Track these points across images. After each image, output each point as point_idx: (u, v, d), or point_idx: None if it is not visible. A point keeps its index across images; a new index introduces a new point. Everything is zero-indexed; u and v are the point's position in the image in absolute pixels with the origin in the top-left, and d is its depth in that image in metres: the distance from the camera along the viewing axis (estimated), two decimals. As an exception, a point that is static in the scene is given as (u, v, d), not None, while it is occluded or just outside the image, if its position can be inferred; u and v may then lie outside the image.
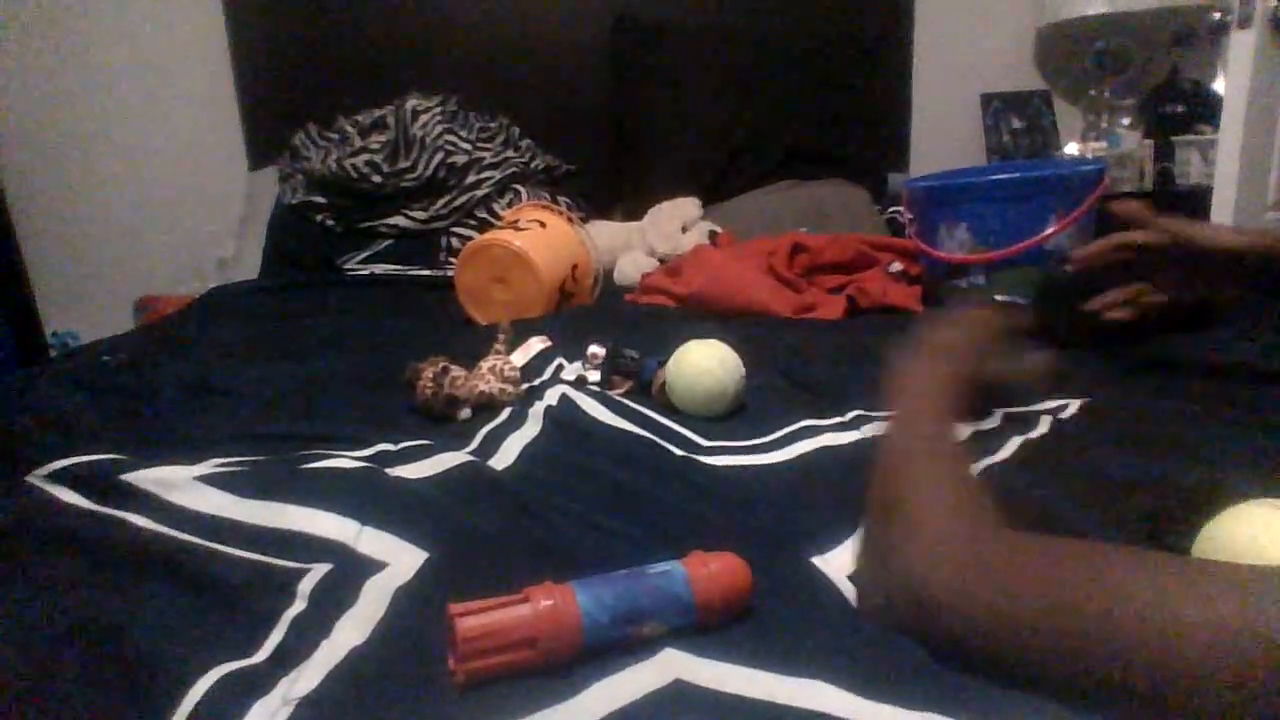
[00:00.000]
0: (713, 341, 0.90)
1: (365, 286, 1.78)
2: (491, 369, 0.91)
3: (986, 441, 0.72)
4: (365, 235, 1.98)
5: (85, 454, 0.68)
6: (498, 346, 0.97)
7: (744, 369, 0.88)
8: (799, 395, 0.93)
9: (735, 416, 0.86)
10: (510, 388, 0.91)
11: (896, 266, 1.54)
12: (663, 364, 0.91)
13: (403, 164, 1.97)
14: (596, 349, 1.02)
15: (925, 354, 0.66)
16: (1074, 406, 0.82)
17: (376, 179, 1.96)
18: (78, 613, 0.49)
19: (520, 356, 1.03)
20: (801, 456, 0.75)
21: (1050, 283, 1.18)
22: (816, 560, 0.57)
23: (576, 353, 1.05)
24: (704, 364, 0.86)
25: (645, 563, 0.50)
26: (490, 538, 0.59)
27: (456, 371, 0.89)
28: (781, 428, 0.81)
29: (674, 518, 0.62)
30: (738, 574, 0.49)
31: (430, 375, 0.87)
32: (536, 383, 0.98)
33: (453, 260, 1.72)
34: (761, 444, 0.78)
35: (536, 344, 1.07)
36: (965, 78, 2.48)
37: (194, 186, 2.30)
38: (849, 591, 0.53)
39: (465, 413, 0.88)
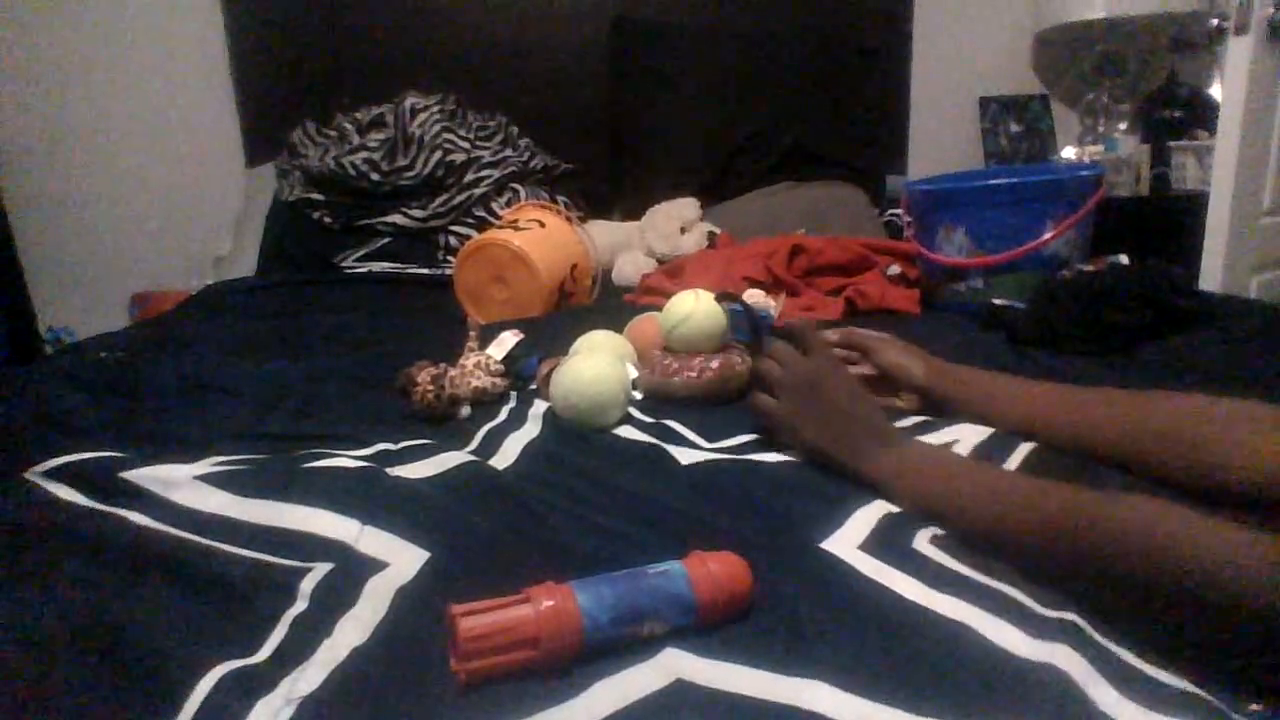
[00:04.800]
0: (599, 356, 0.86)
1: (363, 284, 1.77)
2: (477, 364, 0.93)
3: (991, 449, 0.72)
4: (363, 233, 1.97)
5: (83, 451, 0.68)
6: (470, 344, 0.97)
7: (630, 382, 0.86)
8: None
9: (732, 416, 0.86)
10: (499, 380, 0.94)
11: (895, 269, 1.54)
12: (544, 359, 0.93)
13: (401, 162, 1.96)
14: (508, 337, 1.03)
15: None
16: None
17: (375, 177, 1.95)
18: (78, 611, 0.49)
19: (498, 350, 1.04)
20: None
21: (1048, 287, 1.18)
22: (825, 545, 0.57)
23: (555, 348, 1.05)
24: (588, 378, 0.83)
25: (645, 562, 0.50)
26: (491, 538, 0.59)
27: (452, 371, 0.90)
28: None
29: (674, 517, 0.63)
30: (737, 573, 0.50)
31: (429, 378, 0.87)
32: (533, 386, 0.98)
33: (451, 259, 1.72)
34: (757, 439, 0.78)
35: (509, 337, 1.07)
36: (963, 80, 2.49)
37: (191, 183, 2.29)
38: (859, 570, 0.54)
39: (465, 410, 0.89)
